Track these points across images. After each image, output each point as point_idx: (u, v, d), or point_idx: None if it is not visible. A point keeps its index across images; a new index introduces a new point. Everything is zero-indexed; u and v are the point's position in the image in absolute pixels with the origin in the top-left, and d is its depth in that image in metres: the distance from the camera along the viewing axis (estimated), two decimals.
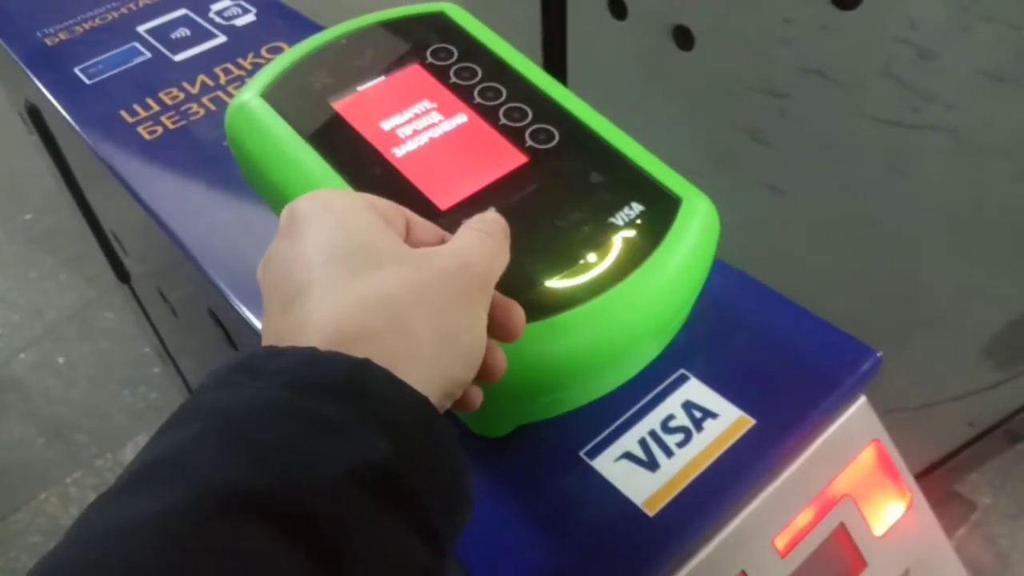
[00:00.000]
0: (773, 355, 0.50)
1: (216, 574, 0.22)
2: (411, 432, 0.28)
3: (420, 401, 0.29)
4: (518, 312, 0.37)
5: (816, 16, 0.83)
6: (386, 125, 0.49)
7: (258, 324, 0.55)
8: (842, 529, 0.48)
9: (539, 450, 0.47)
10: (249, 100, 0.50)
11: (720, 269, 0.53)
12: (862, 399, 0.50)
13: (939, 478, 1.19)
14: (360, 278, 0.31)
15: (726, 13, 0.91)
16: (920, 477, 1.22)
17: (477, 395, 0.37)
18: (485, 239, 0.36)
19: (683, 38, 0.98)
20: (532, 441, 0.47)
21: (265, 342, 0.32)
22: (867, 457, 0.50)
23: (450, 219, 0.43)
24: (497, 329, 0.36)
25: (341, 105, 0.50)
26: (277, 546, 0.23)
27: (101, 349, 1.75)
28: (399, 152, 0.48)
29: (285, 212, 0.36)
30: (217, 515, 0.23)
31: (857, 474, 0.49)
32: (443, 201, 0.45)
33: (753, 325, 0.51)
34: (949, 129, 0.83)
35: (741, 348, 0.50)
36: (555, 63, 1.17)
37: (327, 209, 0.34)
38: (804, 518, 0.47)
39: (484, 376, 0.36)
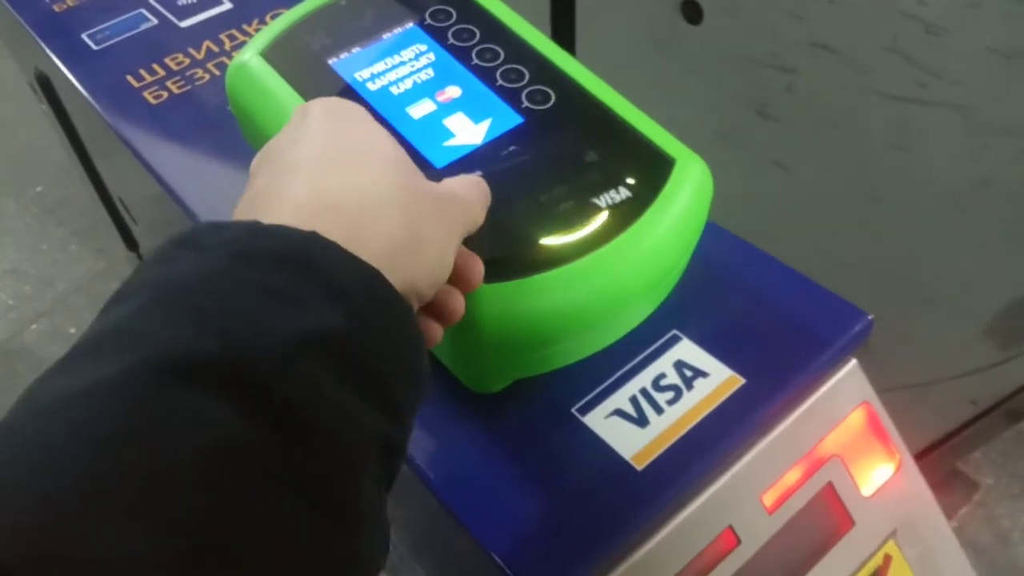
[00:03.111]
0: (765, 317, 0.50)
1: (161, 437, 0.22)
2: (363, 302, 0.28)
3: (373, 273, 0.29)
4: (477, 264, 0.38)
5: None
6: (384, 85, 0.49)
7: None
8: (830, 488, 0.48)
9: (532, 406, 0.48)
10: (249, 60, 0.50)
11: (715, 232, 0.53)
12: (853, 362, 0.50)
13: (941, 457, 1.19)
14: (353, 168, 0.32)
15: None
16: (922, 456, 1.22)
17: (437, 332, 0.38)
18: (474, 188, 0.39)
19: (692, 12, 0.98)
20: (525, 398, 0.48)
21: (237, 210, 0.32)
22: (857, 419, 0.50)
23: (445, 178, 0.44)
24: (457, 278, 0.37)
25: (339, 65, 0.50)
26: (223, 409, 0.23)
27: None
28: (396, 111, 0.48)
29: (298, 109, 0.37)
30: (160, 380, 0.23)
31: (846, 435, 0.50)
32: (439, 159, 0.46)
33: (746, 287, 0.52)
34: (956, 106, 0.83)
35: (734, 310, 0.51)
36: (564, 36, 1.17)
37: (342, 109, 0.36)
38: (792, 476, 0.48)
39: (443, 317, 0.37)
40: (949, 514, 1.29)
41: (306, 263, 0.27)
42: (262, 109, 0.49)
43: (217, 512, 0.21)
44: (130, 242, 1.21)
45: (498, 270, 0.42)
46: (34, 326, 1.77)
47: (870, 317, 0.49)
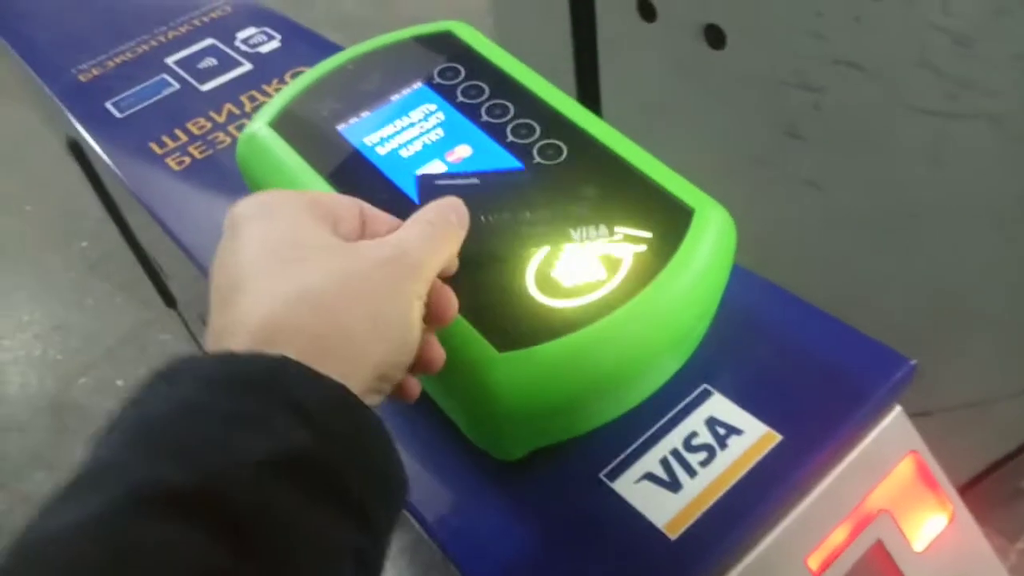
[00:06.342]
0: (800, 366, 0.48)
1: (140, 571, 0.23)
2: (328, 417, 0.29)
3: (337, 388, 0.30)
4: (450, 298, 0.37)
5: (849, 7, 0.81)
6: (393, 148, 0.49)
7: None
8: (879, 546, 0.46)
9: (557, 473, 0.46)
10: (258, 130, 0.50)
11: (743, 278, 0.51)
12: (897, 409, 0.48)
13: (1002, 477, 1.14)
14: (287, 272, 0.33)
15: (757, 10, 0.89)
16: (984, 476, 1.17)
17: (415, 386, 0.39)
18: (426, 228, 0.37)
19: (714, 37, 0.96)
20: (550, 464, 0.46)
21: (206, 343, 0.33)
22: (905, 469, 0.48)
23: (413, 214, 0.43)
24: (430, 315, 0.36)
25: (348, 131, 0.50)
26: (195, 537, 0.24)
27: None
28: (405, 175, 0.47)
29: (228, 215, 0.37)
30: (138, 513, 0.24)
31: (894, 488, 0.47)
32: None
33: (779, 335, 0.50)
34: (989, 117, 0.80)
35: (766, 360, 0.48)
36: (587, 69, 1.16)
37: (262, 208, 0.36)
38: (839, 536, 0.45)
39: (422, 368, 0.37)
40: (1014, 536, 1.23)
41: (272, 386, 0.29)
42: (272, 180, 0.49)
43: None
44: (167, 297, 1.22)
45: (511, 337, 0.41)
46: (82, 380, 1.80)
47: (913, 363, 0.47)
